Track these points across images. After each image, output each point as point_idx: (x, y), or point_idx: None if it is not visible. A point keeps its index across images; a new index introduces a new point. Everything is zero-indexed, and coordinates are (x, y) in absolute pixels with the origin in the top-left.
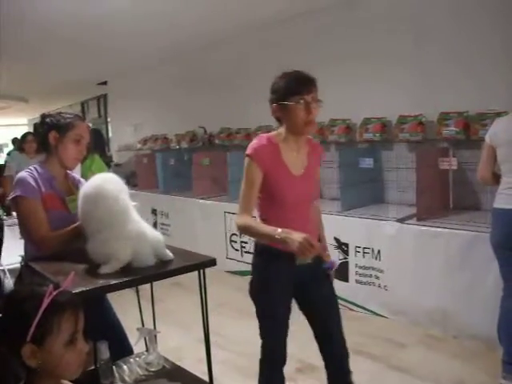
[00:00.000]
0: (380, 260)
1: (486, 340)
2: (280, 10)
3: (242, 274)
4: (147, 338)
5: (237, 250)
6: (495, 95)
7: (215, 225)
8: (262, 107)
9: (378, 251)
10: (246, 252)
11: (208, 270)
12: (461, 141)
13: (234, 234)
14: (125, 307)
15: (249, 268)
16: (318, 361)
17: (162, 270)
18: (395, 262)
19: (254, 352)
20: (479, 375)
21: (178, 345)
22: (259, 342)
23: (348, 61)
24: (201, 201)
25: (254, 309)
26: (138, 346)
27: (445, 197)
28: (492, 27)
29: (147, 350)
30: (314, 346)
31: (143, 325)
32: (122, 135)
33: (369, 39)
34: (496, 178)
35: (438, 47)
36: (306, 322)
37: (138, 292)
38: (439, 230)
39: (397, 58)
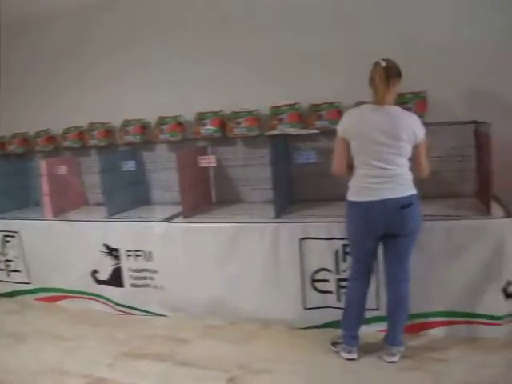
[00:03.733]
0: (153, 261)
1: (260, 321)
2: None
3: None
4: None
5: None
6: (246, 95)
7: None
8: None
9: (150, 252)
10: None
11: None
12: (218, 138)
13: None
14: None
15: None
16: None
17: None
18: (168, 260)
19: None
20: (259, 353)
21: None
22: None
23: (104, 62)
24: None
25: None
26: None
27: (207, 193)
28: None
29: None
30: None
31: None
32: None
33: (117, 42)
34: (351, 170)
35: (193, 49)
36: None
37: None
38: (205, 225)
39: (149, 59)
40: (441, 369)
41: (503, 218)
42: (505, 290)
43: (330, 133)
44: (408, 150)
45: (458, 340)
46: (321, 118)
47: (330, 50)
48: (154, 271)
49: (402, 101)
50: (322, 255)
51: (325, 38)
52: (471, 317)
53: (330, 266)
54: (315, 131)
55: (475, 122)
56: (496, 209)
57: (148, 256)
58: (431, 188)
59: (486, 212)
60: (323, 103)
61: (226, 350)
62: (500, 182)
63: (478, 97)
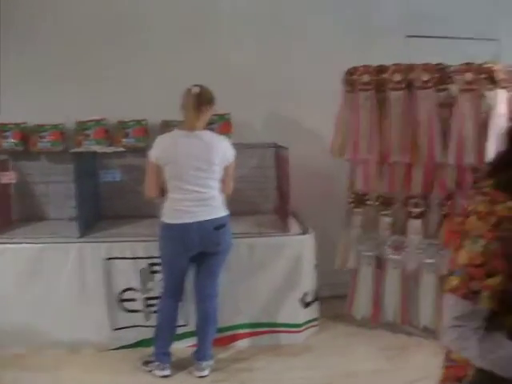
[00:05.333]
0: None
1: (68, 345)
2: None
3: None
4: None
5: None
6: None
7: None
8: None
9: None
10: None
11: None
12: (20, 152)
13: None
14: None
15: None
16: None
17: None
18: None
19: None
20: (68, 380)
21: None
22: None
23: None
24: None
25: None
26: None
27: (8, 211)
28: None
29: None
30: None
31: None
32: None
33: None
34: (164, 193)
35: None
36: None
37: None
38: (4, 246)
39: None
40: (247, 378)
41: (300, 234)
42: (303, 300)
43: (138, 151)
44: (220, 173)
45: (263, 349)
46: (128, 135)
47: (139, 68)
48: None
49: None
50: (128, 274)
51: (131, 57)
52: (274, 326)
53: (137, 285)
54: (121, 149)
55: (275, 146)
56: (294, 225)
57: None
58: (235, 206)
59: (285, 229)
60: (130, 120)
61: (32, 381)
62: (298, 200)
63: (278, 120)
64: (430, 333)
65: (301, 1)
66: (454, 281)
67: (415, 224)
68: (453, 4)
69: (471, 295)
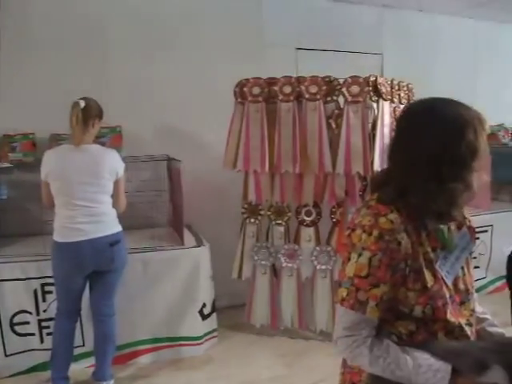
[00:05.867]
0: None
1: None
2: None
3: None
4: None
5: None
6: None
7: None
8: None
9: None
10: None
11: None
12: None
13: None
14: None
15: None
16: None
17: None
18: None
19: None
20: None
21: None
22: None
23: None
24: None
25: None
26: None
27: None
28: None
29: None
30: None
31: None
32: None
33: None
34: None
35: None
36: None
37: None
38: None
39: None
40: None
41: (195, 247)
42: (201, 312)
43: (25, 166)
44: (110, 187)
45: (164, 364)
46: (14, 149)
47: (26, 80)
48: None
49: (97, 135)
50: (19, 296)
51: (17, 68)
52: (174, 340)
53: (30, 307)
54: (8, 165)
55: (168, 159)
56: (189, 238)
57: None
58: (129, 220)
59: (180, 242)
60: (16, 134)
61: None
62: (193, 212)
63: (171, 132)
64: (327, 336)
65: (193, 13)
66: (343, 292)
67: (308, 232)
68: (341, 19)
69: (358, 305)
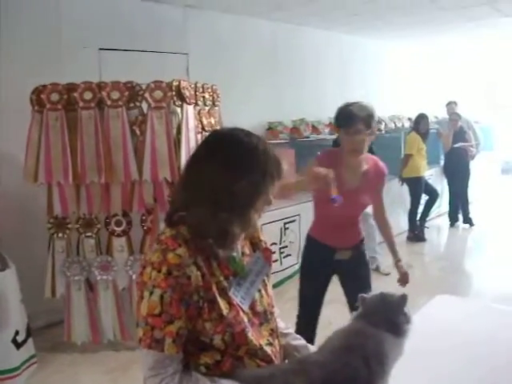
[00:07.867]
0: None
1: None
2: None
3: None
4: None
5: None
6: None
7: None
8: None
9: None
10: None
11: None
12: None
13: None
14: None
15: None
16: None
17: None
18: None
19: None
20: None
21: None
22: None
23: None
24: None
25: None
26: None
27: None
28: None
29: None
30: None
31: None
32: None
33: None
34: None
35: None
36: None
37: None
38: None
39: None
40: None
41: (0, 270)
42: (15, 341)
43: None
44: None
45: None
46: None
47: None
48: None
49: None
50: None
51: None
52: None
53: None
54: None
55: None
56: None
57: None
58: None
59: None
60: None
61: None
62: None
63: None
64: None
65: None
66: (139, 332)
67: (119, 242)
68: (146, 19)
69: (155, 344)
